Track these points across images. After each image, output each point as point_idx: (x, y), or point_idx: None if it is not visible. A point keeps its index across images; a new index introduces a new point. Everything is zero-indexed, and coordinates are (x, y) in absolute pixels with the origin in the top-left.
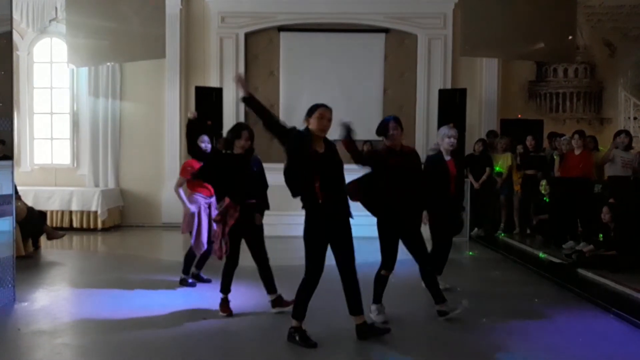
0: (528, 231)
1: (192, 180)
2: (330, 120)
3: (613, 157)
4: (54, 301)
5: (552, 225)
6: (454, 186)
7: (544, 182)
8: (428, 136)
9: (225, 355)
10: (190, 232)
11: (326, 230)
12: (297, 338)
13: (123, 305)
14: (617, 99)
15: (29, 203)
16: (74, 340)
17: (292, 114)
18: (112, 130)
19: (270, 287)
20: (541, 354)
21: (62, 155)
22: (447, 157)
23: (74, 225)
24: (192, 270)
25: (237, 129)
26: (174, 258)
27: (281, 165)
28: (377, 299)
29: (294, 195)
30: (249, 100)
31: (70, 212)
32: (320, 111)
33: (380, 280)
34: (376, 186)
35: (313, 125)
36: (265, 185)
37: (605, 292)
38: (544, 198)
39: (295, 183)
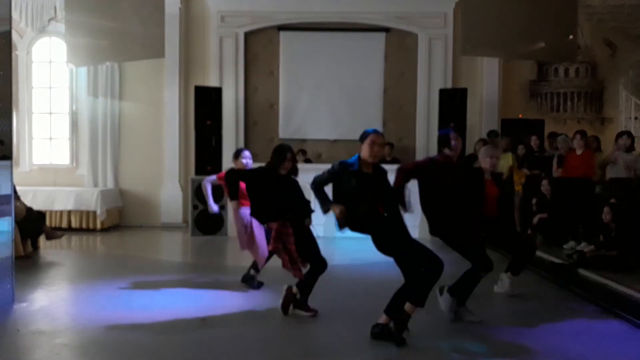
0: (529, 231)
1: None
2: (382, 145)
3: (615, 158)
4: (53, 301)
5: (553, 226)
6: (494, 208)
7: (545, 183)
8: (428, 136)
9: (226, 356)
10: (251, 249)
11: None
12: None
13: (122, 305)
14: (618, 99)
15: (28, 203)
16: (73, 341)
17: (292, 113)
18: (111, 130)
19: (305, 291)
20: (541, 354)
21: (61, 155)
22: (488, 177)
23: (73, 225)
24: (251, 272)
25: (282, 153)
26: (173, 258)
27: None
28: (463, 297)
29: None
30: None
31: (69, 213)
32: (371, 138)
33: (474, 280)
34: (439, 210)
35: (365, 152)
36: (301, 191)
37: (606, 293)
38: (545, 198)
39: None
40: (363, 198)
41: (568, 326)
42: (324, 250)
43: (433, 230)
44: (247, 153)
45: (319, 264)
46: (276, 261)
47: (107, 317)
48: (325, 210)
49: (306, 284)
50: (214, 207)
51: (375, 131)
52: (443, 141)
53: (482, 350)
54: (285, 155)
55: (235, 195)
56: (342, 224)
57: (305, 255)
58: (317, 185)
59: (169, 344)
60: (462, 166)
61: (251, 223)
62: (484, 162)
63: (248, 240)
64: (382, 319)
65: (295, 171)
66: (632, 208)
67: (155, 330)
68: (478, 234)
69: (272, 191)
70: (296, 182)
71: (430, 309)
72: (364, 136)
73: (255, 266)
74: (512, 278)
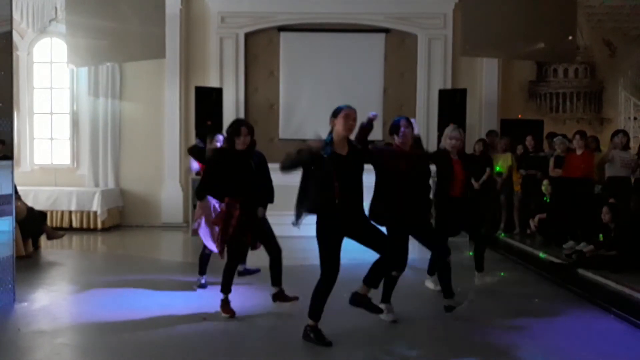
0: (528, 231)
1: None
2: (355, 120)
3: (612, 157)
4: (53, 301)
5: (552, 225)
6: (460, 190)
7: (545, 182)
8: (428, 136)
9: (226, 356)
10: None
11: (341, 229)
12: (312, 336)
13: (123, 305)
14: (617, 99)
15: (29, 203)
16: (74, 341)
17: (292, 114)
18: (111, 131)
19: (275, 279)
20: (541, 353)
21: (62, 155)
22: (454, 156)
23: (74, 225)
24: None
25: (235, 125)
26: (174, 258)
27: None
28: (387, 298)
29: (311, 209)
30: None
31: (70, 212)
32: (345, 112)
33: (391, 281)
34: (384, 194)
35: (339, 125)
36: (268, 179)
37: (605, 292)
38: (545, 198)
39: (314, 195)
40: (326, 183)
41: (567, 325)
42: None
43: (375, 216)
44: (220, 137)
45: (274, 253)
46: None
47: (107, 317)
48: (299, 159)
49: (226, 280)
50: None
51: (348, 106)
52: (393, 129)
53: (482, 347)
54: (240, 129)
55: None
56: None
57: (262, 239)
58: (289, 165)
59: (170, 343)
60: (416, 155)
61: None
62: (445, 142)
63: (199, 223)
64: (362, 289)
65: (252, 146)
66: (631, 208)
67: (156, 329)
68: (426, 221)
69: (229, 169)
70: (264, 164)
71: (430, 308)
72: (336, 111)
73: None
74: (482, 274)
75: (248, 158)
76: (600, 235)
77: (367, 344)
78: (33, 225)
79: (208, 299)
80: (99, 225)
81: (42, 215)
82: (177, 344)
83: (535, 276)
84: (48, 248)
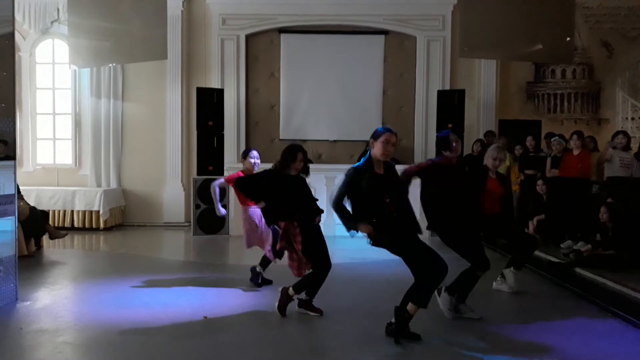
0: (526, 231)
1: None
2: (394, 144)
3: (611, 157)
4: (56, 300)
5: (550, 225)
6: (497, 205)
7: (539, 182)
8: (427, 137)
9: (227, 355)
10: (261, 246)
11: (403, 237)
12: (400, 320)
13: (125, 304)
14: (615, 100)
15: (32, 203)
16: (76, 339)
17: (292, 114)
18: (114, 131)
19: (312, 290)
20: (538, 351)
21: (64, 155)
22: (492, 175)
23: (76, 225)
24: (258, 268)
25: (293, 151)
26: (176, 257)
27: None
28: (464, 295)
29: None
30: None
31: (73, 212)
32: (386, 136)
33: (473, 278)
34: (438, 210)
35: (377, 149)
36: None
37: (602, 291)
38: (542, 198)
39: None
40: (375, 200)
41: (565, 324)
42: None
43: (431, 226)
44: (255, 153)
45: (322, 264)
46: (281, 261)
47: (109, 316)
48: (350, 229)
49: (307, 284)
50: (222, 211)
51: (389, 130)
52: (443, 144)
53: (481, 346)
54: (297, 156)
55: (258, 200)
56: (374, 242)
57: (310, 255)
58: (337, 201)
59: (172, 342)
60: (462, 167)
61: (260, 222)
62: (487, 161)
63: (258, 238)
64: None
65: (306, 171)
66: (629, 207)
67: (158, 328)
68: (476, 233)
69: (282, 192)
70: (304, 181)
71: (431, 306)
72: (377, 134)
73: (263, 262)
74: (516, 273)
75: (299, 178)
76: (598, 235)
77: (367, 341)
78: (35, 224)
79: (210, 298)
80: (101, 225)
81: (44, 215)
82: (179, 342)
83: (533, 275)
84: (50, 247)
